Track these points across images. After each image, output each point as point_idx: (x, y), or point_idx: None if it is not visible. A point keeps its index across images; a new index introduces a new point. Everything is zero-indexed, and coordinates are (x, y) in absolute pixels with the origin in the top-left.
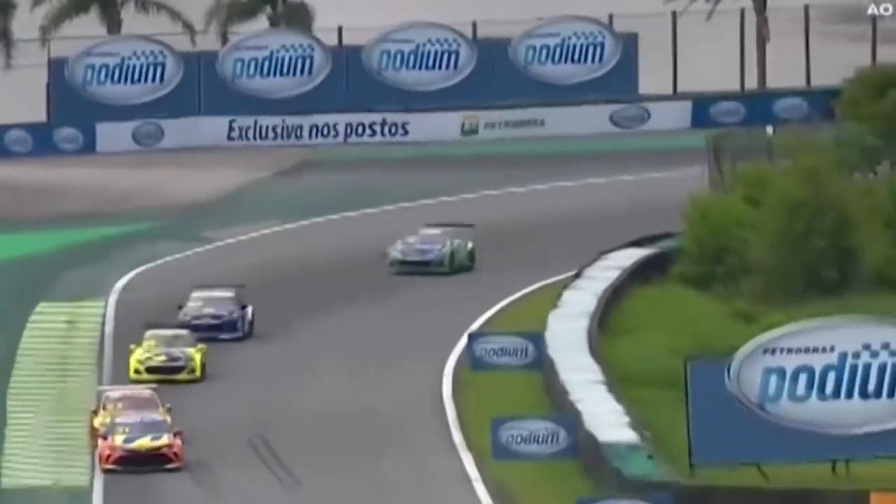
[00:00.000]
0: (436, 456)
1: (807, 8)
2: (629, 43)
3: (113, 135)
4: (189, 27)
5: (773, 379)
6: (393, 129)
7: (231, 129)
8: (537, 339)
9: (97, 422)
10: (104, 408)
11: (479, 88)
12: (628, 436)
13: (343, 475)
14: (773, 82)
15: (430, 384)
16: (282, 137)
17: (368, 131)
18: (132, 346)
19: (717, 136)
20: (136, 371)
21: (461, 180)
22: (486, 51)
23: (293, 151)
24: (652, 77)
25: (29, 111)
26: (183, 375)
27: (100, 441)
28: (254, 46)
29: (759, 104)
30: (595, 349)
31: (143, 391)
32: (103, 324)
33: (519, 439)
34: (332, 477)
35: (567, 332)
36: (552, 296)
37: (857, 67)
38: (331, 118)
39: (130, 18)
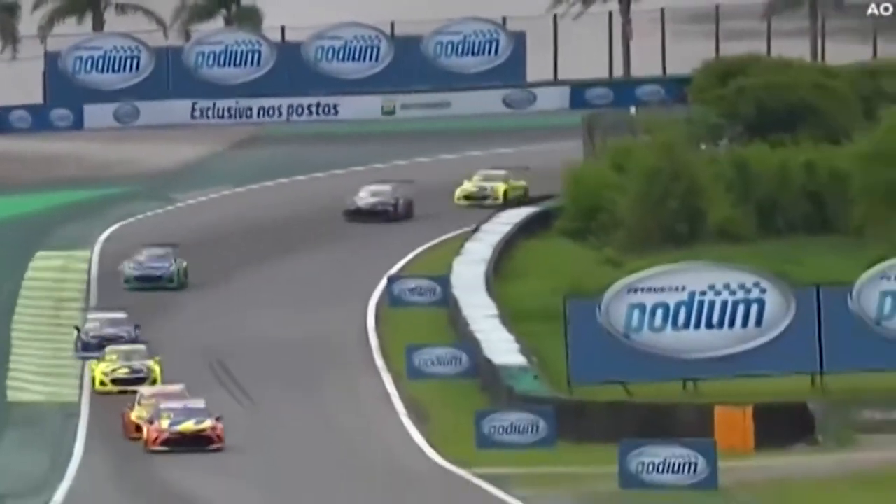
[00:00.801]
0: (363, 377)
1: (663, 10)
2: (519, 39)
3: (98, 114)
4: (162, 24)
5: (636, 313)
6: (326, 110)
7: (194, 110)
8: (444, 281)
9: (134, 415)
10: (139, 403)
11: (396, 77)
12: (518, 360)
13: (289, 394)
14: (636, 72)
15: (357, 319)
16: (235, 117)
17: (306, 112)
18: (93, 363)
19: (590, 116)
20: (102, 383)
21: (381, 152)
22: (403, 46)
23: (245, 128)
24: (537, 67)
25: (28, 94)
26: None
27: (145, 427)
28: (212, 42)
29: (624, 89)
30: (491, 289)
31: (174, 387)
32: (90, 268)
33: (429, 363)
34: (280, 396)
35: (468, 276)
36: (457, 246)
37: (705, 60)
38: (276, 101)
39: (112, 18)
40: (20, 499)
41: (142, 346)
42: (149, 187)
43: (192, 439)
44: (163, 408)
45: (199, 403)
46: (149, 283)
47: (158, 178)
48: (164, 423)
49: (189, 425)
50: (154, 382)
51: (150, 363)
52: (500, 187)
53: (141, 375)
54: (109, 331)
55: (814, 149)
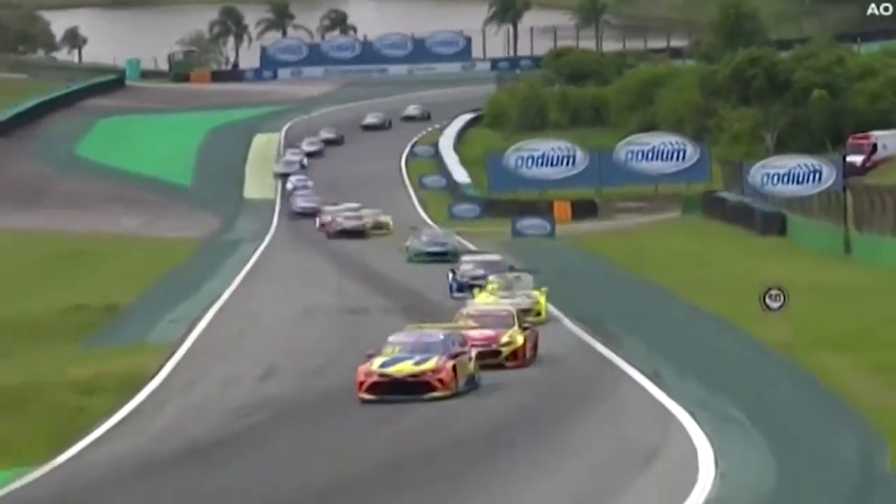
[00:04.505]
0: None
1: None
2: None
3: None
4: None
5: (519, 160)
6: None
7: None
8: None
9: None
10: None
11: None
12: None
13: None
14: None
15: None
16: None
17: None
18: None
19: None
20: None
21: None
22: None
23: None
24: None
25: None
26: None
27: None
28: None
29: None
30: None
31: (502, 308)
32: (280, 140)
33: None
34: None
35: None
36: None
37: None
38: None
39: None
40: (253, 239)
41: (522, 274)
42: (299, 106)
43: (405, 385)
44: (390, 340)
45: (440, 335)
46: (434, 257)
47: (303, 102)
48: (375, 365)
49: (405, 366)
50: (538, 314)
51: (536, 294)
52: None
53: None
54: (481, 272)
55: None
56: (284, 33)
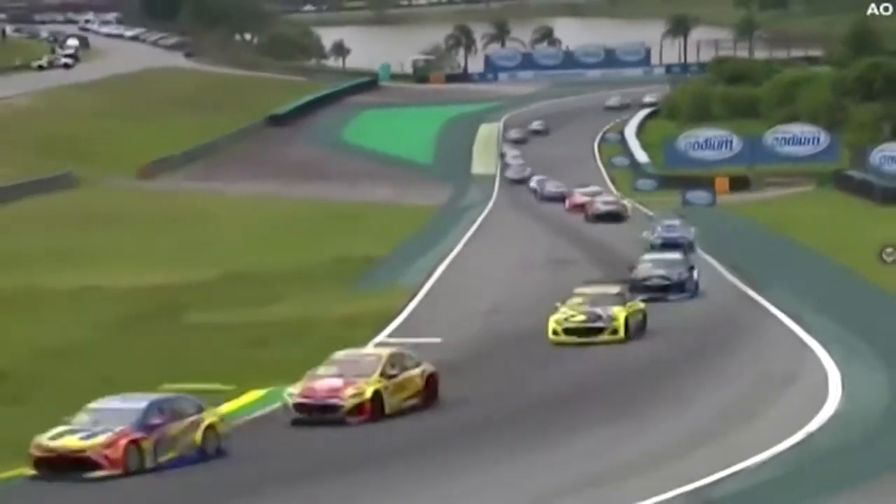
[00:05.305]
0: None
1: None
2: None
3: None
4: None
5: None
6: None
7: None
8: None
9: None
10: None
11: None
12: None
13: None
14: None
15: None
16: None
17: None
18: (557, 305)
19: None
20: (555, 332)
21: None
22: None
23: None
24: None
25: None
26: (605, 336)
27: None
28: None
29: None
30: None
31: (369, 354)
32: (500, 129)
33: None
34: None
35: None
36: None
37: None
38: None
39: None
40: (478, 205)
41: (615, 289)
42: (510, 102)
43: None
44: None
45: (610, 311)
46: (670, 247)
47: (513, 98)
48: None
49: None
50: (615, 333)
51: (615, 310)
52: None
53: (598, 325)
54: (659, 272)
55: None
56: (503, 44)
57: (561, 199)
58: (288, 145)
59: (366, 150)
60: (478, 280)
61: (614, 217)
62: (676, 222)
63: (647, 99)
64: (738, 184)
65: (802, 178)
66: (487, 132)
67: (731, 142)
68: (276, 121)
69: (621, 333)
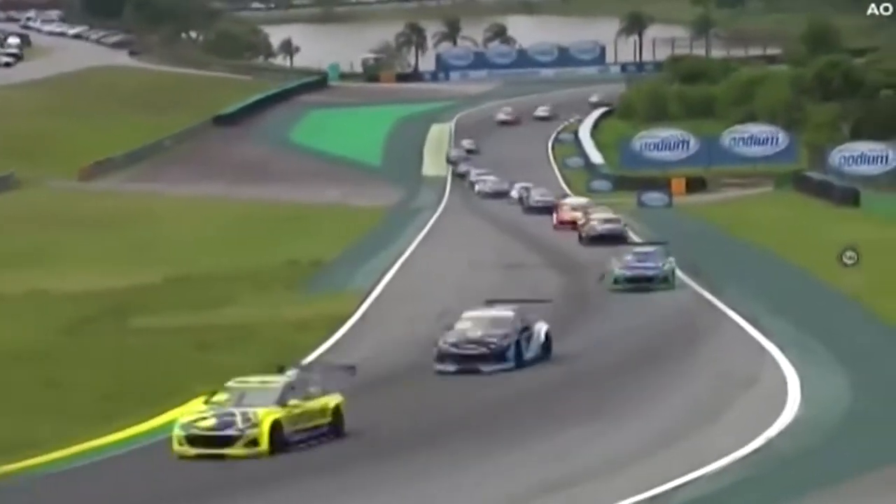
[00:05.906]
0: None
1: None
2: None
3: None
4: None
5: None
6: None
7: None
8: None
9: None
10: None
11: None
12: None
13: None
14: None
15: None
16: None
17: None
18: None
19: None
20: (179, 443)
21: None
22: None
23: None
24: None
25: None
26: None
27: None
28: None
29: None
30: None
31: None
32: (451, 129)
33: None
34: None
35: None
36: None
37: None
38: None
39: None
40: (430, 208)
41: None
42: (462, 102)
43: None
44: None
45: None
46: (639, 283)
47: (465, 97)
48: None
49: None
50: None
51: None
52: None
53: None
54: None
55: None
56: (455, 42)
57: (548, 210)
58: (235, 145)
59: (314, 151)
60: (428, 283)
61: (616, 239)
62: (649, 249)
63: (593, 99)
64: (695, 185)
65: (760, 179)
66: (439, 132)
67: (688, 142)
68: (223, 120)
69: (263, 445)
